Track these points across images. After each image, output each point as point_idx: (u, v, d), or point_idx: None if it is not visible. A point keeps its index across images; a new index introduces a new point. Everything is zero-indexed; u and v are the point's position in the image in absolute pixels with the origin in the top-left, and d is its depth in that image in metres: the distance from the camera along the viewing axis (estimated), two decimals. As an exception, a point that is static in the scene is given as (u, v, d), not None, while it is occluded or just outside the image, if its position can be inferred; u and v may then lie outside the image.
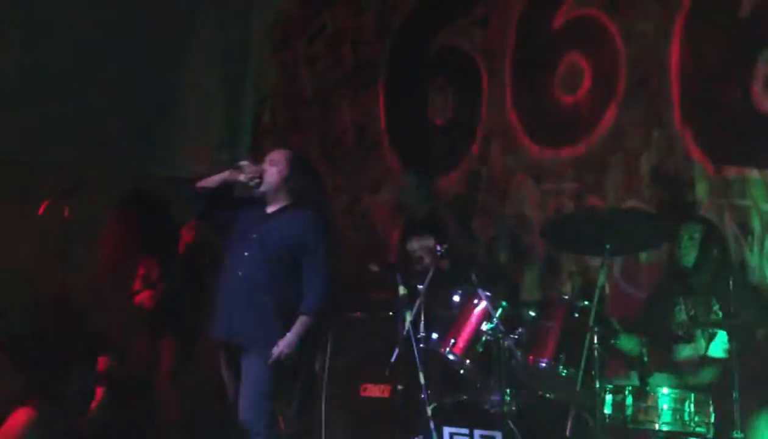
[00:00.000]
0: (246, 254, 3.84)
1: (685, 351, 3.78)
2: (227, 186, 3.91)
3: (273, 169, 3.89)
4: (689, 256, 3.82)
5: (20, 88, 5.53)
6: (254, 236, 3.86)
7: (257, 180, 3.85)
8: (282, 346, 3.74)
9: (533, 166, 5.01)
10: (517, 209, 5.04)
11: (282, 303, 3.80)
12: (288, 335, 3.76)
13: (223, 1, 6.44)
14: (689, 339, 3.78)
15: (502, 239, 5.03)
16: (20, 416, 4.09)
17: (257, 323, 3.78)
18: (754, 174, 4.10)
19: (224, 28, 6.44)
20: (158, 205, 5.20)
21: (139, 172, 5.80)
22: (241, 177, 3.85)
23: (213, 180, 3.88)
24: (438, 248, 4.01)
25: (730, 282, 3.49)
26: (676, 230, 3.92)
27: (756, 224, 4.08)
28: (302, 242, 3.84)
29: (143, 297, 4.89)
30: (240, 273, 3.82)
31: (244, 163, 3.88)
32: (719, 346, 3.67)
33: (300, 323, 3.78)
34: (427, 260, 4.37)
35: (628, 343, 3.73)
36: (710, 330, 3.70)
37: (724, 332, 3.60)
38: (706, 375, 3.64)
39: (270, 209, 3.93)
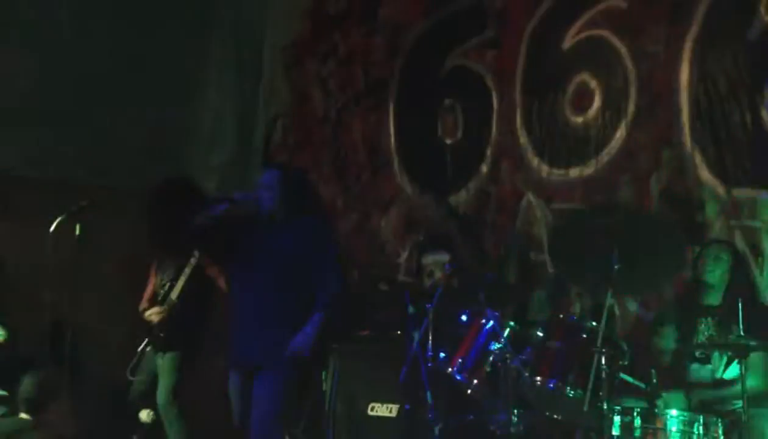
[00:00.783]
0: (253, 273, 3.84)
1: (701, 372, 3.75)
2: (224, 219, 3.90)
3: (266, 194, 3.89)
4: (713, 275, 3.78)
5: (32, 105, 5.60)
6: (260, 254, 3.85)
7: (253, 208, 3.85)
8: (299, 341, 3.73)
9: (543, 186, 5.02)
10: (526, 229, 5.04)
11: (291, 321, 3.80)
12: (304, 329, 3.74)
13: (236, 21, 6.52)
14: (706, 360, 3.75)
15: (510, 258, 5.02)
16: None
17: (269, 343, 3.77)
18: (764, 195, 4.09)
19: (237, 47, 6.51)
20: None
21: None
22: (236, 212, 3.85)
23: (209, 217, 3.85)
24: (447, 266, 4.01)
25: (740, 304, 3.47)
26: (700, 251, 3.89)
27: (766, 246, 4.06)
28: (310, 246, 3.84)
29: (152, 313, 4.90)
30: (249, 294, 3.82)
31: (237, 196, 3.89)
32: (736, 368, 3.63)
33: (315, 319, 3.77)
34: (438, 275, 4.38)
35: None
36: (728, 353, 3.67)
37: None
38: (720, 397, 3.60)
39: (271, 228, 3.91)
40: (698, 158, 4.36)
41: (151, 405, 4.82)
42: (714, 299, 3.82)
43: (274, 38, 6.61)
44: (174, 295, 4.80)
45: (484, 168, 5.32)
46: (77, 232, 4.54)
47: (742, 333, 3.45)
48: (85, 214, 4.54)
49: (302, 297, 3.83)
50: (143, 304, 4.95)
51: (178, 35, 6.07)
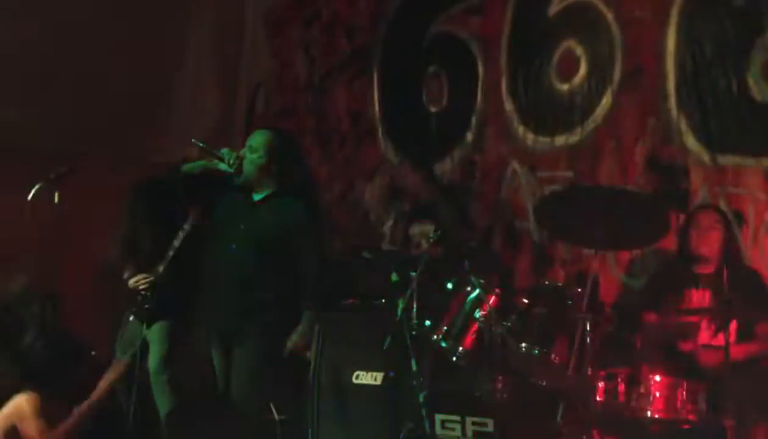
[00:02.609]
0: (234, 246, 3.80)
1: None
2: (209, 174, 3.87)
3: (252, 156, 3.83)
4: (704, 245, 3.78)
5: (16, 75, 5.49)
6: (242, 226, 3.82)
7: (237, 167, 3.79)
8: (296, 339, 3.76)
9: (528, 154, 4.99)
10: (512, 197, 5.03)
11: (274, 292, 3.79)
12: (299, 328, 3.77)
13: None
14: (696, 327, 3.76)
15: (496, 226, 5.01)
16: (25, 401, 4.07)
17: (251, 314, 3.77)
18: (749, 162, 4.10)
19: (218, 13, 6.39)
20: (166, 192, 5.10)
21: (132, 159, 5.76)
22: (222, 166, 3.81)
23: (194, 167, 3.85)
24: (429, 233, 4.00)
25: (725, 270, 3.49)
26: (687, 218, 3.88)
27: (751, 213, 4.07)
28: (293, 231, 3.82)
29: (138, 281, 4.83)
30: (229, 264, 3.79)
31: (224, 150, 3.84)
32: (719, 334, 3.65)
33: (307, 317, 3.80)
34: (424, 246, 4.36)
35: None
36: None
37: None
38: (706, 362, 3.62)
39: (256, 197, 3.88)
40: (684, 125, 4.35)
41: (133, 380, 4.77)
42: (703, 266, 3.82)
43: (256, 3, 6.50)
44: (161, 267, 4.74)
45: (469, 136, 5.29)
46: (56, 200, 4.47)
47: (724, 299, 3.48)
48: (64, 182, 4.46)
49: (284, 268, 3.81)
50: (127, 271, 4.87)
51: (159, 1, 5.95)
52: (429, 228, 4.40)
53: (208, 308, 3.86)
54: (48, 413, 4.09)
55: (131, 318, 4.79)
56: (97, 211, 5.41)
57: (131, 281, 4.76)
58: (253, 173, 3.83)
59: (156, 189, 4.83)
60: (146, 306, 4.68)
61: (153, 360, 4.69)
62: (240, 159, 3.82)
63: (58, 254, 4.58)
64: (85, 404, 4.42)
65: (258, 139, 3.90)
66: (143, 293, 4.69)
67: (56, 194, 4.52)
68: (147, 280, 4.69)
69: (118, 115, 5.83)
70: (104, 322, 4.97)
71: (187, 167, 3.85)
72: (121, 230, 4.81)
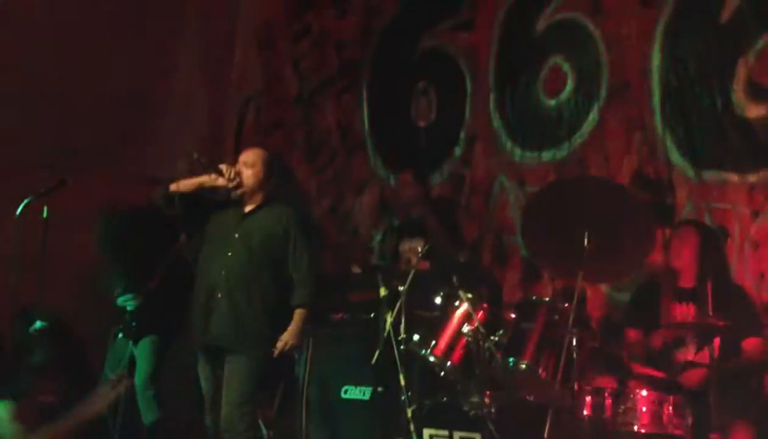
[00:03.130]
0: (229, 253, 3.82)
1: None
2: (206, 190, 3.89)
3: (249, 171, 3.89)
4: (681, 261, 3.81)
5: (3, 90, 5.47)
6: (236, 235, 3.85)
7: (237, 182, 3.85)
8: (287, 338, 3.76)
9: (516, 169, 5.03)
10: (500, 212, 5.06)
11: (267, 301, 3.80)
12: (291, 326, 3.78)
13: (208, 1, 6.41)
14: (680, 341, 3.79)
15: (484, 241, 5.03)
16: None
17: (242, 323, 3.77)
18: (733, 178, 4.14)
19: (208, 28, 6.41)
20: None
21: (120, 174, 5.74)
22: (220, 181, 3.83)
23: (190, 183, 3.86)
24: (418, 249, 4.02)
25: (709, 285, 3.52)
26: (671, 233, 3.92)
27: (735, 228, 4.11)
28: (286, 233, 3.86)
29: (127, 299, 4.82)
30: (222, 273, 3.80)
31: (222, 166, 3.87)
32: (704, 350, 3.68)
33: (299, 315, 3.81)
34: (414, 262, 4.38)
35: None
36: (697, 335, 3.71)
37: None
38: (692, 377, 3.64)
39: (247, 209, 3.93)
40: (669, 141, 4.39)
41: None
42: (687, 281, 3.85)
43: (246, 18, 6.53)
44: (149, 285, 4.73)
45: (458, 151, 5.32)
46: (44, 214, 4.46)
47: (708, 315, 3.51)
48: (52, 196, 4.46)
49: (275, 286, 3.83)
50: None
51: (148, 14, 5.96)
52: (419, 244, 4.42)
53: (199, 317, 3.84)
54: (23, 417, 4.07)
55: (119, 335, 4.79)
56: (86, 226, 5.40)
57: (119, 299, 4.77)
58: (254, 186, 3.89)
59: (128, 216, 4.85)
60: (133, 324, 4.69)
61: (139, 376, 4.68)
62: (238, 174, 3.85)
63: (45, 268, 4.55)
64: (78, 416, 4.36)
65: (253, 155, 3.97)
66: (131, 310, 4.69)
67: (45, 209, 4.51)
68: (134, 298, 4.70)
69: (107, 129, 5.81)
70: (91, 338, 4.95)
71: (182, 186, 3.84)
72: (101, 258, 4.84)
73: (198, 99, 6.40)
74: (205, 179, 3.86)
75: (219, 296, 3.79)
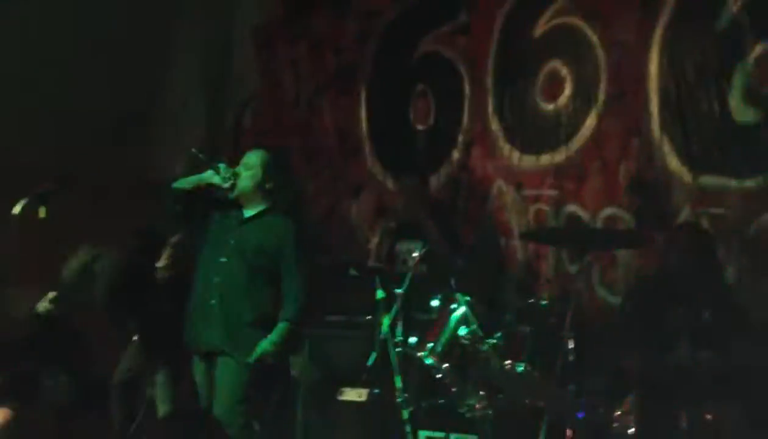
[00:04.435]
0: (223, 259, 3.81)
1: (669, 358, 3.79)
2: (203, 188, 3.88)
3: (247, 173, 3.87)
4: (683, 266, 3.80)
5: (3, 95, 5.47)
6: (232, 242, 3.83)
7: (232, 183, 3.82)
8: (264, 346, 3.72)
9: (514, 173, 5.04)
10: (497, 216, 5.07)
11: (259, 309, 3.79)
12: (270, 336, 3.74)
13: (206, 3, 6.42)
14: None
15: (481, 244, 5.05)
16: None
17: (234, 330, 3.76)
18: (730, 183, 4.16)
19: (206, 29, 6.41)
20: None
21: (119, 176, 5.75)
22: (216, 179, 3.82)
23: (188, 181, 3.86)
24: (415, 252, 4.03)
25: (703, 290, 3.54)
26: (669, 237, 3.93)
27: (732, 233, 4.12)
28: (280, 249, 3.82)
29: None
30: (216, 279, 3.80)
31: (220, 165, 3.86)
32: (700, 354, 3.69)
33: (281, 328, 3.76)
34: (411, 263, 4.39)
35: None
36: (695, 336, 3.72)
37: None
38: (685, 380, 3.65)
39: (247, 213, 3.90)
40: (666, 146, 4.41)
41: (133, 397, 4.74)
42: (685, 285, 3.86)
43: (244, 20, 6.54)
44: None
45: (456, 154, 5.34)
46: (43, 215, 4.45)
47: (704, 318, 3.53)
48: (51, 199, 4.45)
49: (268, 295, 3.81)
50: None
51: (145, 16, 5.96)
52: (416, 246, 4.43)
53: (194, 319, 3.83)
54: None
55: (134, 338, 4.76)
56: (85, 229, 5.40)
57: None
58: (249, 189, 3.85)
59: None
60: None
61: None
62: (235, 175, 3.82)
63: (44, 271, 4.55)
64: None
65: (254, 157, 3.93)
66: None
67: (43, 209, 4.50)
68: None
69: (105, 132, 5.82)
70: (93, 342, 4.94)
71: (178, 183, 3.84)
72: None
73: (196, 101, 6.40)
74: (203, 176, 3.85)
75: (212, 302, 3.77)
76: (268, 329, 3.75)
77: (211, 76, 6.46)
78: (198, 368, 3.87)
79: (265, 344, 3.71)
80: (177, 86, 6.31)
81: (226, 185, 3.81)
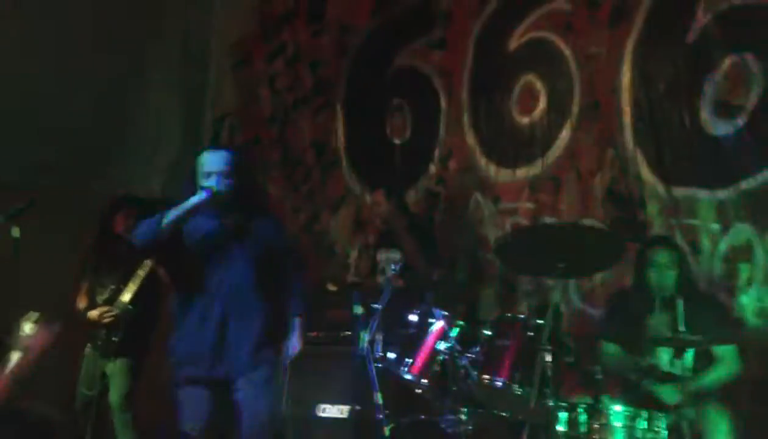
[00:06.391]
0: (223, 276, 3.53)
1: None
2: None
3: (223, 179, 3.52)
4: (664, 278, 3.82)
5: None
6: (226, 252, 3.55)
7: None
8: (294, 345, 3.64)
9: (490, 186, 5.07)
10: (475, 229, 5.09)
11: (269, 318, 3.59)
12: (294, 336, 3.65)
13: (183, 18, 6.41)
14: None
15: (459, 258, 5.06)
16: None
17: (249, 345, 3.53)
18: (702, 194, 4.21)
19: (183, 44, 6.40)
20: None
21: (96, 192, 5.70)
22: (192, 201, 3.47)
23: (182, 212, 3.48)
24: (393, 266, 4.02)
25: (679, 302, 3.58)
26: (644, 249, 3.96)
27: (705, 243, 4.18)
28: (277, 246, 3.69)
29: (99, 315, 4.76)
30: (216, 295, 3.52)
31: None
32: (679, 364, 3.73)
33: (299, 324, 3.67)
34: (390, 272, 4.38)
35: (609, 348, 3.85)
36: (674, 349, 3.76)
37: (691, 351, 3.67)
38: (666, 393, 3.68)
39: (226, 221, 3.60)
40: (640, 158, 4.46)
41: (96, 414, 4.68)
42: (661, 298, 3.89)
43: (221, 36, 6.54)
44: (126, 297, 4.68)
45: (433, 168, 5.36)
46: (16, 234, 4.40)
47: (682, 329, 3.57)
48: (24, 216, 4.40)
49: (272, 293, 3.61)
50: (83, 305, 4.79)
51: (122, 31, 5.94)
52: (395, 255, 4.44)
53: (193, 341, 3.52)
54: None
55: (87, 350, 4.71)
56: (57, 244, 5.35)
57: (94, 313, 4.69)
58: (224, 195, 3.51)
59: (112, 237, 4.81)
60: (114, 339, 4.63)
61: (115, 397, 4.63)
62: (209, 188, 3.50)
63: (14, 287, 4.49)
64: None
65: (224, 159, 3.59)
66: (108, 326, 4.63)
67: (16, 229, 4.45)
68: (112, 313, 4.63)
69: (81, 147, 5.78)
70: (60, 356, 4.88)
71: (164, 225, 3.48)
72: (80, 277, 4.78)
73: (172, 116, 6.38)
74: (196, 202, 3.46)
75: (213, 320, 3.49)
76: (274, 334, 3.62)
77: (187, 92, 6.44)
78: (193, 392, 3.53)
79: (294, 344, 3.64)
80: (153, 103, 6.28)
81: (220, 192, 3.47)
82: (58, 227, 5.32)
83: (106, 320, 4.65)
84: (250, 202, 3.69)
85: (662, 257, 3.85)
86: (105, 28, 5.83)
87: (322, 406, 4.27)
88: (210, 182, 3.51)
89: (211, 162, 3.58)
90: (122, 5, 5.91)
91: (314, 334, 4.53)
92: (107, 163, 5.91)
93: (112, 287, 4.75)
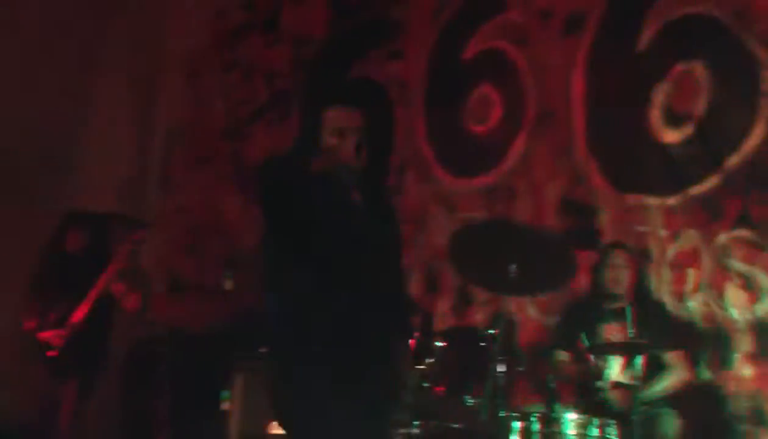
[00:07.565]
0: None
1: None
2: None
3: (351, 141, 2.59)
4: (619, 278, 3.85)
5: None
6: (356, 255, 2.55)
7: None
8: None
9: (447, 196, 5.05)
10: (431, 239, 5.06)
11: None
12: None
13: (134, 31, 6.33)
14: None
15: (415, 268, 5.02)
16: None
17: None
18: (652, 201, 4.22)
19: (132, 59, 6.32)
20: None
21: (44, 210, 5.58)
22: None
23: None
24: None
25: (628, 307, 3.57)
26: (600, 257, 3.98)
27: (654, 250, 4.19)
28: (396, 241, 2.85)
29: (50, 335, 4.66)
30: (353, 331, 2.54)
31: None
32: (629, 371, 3.72)
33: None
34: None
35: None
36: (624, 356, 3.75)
37: (641, 358, 3.66)
38: (616, 399, 3.66)
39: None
40: (592, 166, 4.47)
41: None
42: (613, 303, 3.90)
43: (173, 47, 6.47)
44: (77, 317, 4.58)
45: (389, 178, 5.32)
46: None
47: (632, 334, 3.57)
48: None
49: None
50: (34, 325, 4.69)
51: (70, 43, 5.85)
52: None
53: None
54: None
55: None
56: (6, 262, 5.23)
57: (45, 334, 4.60)
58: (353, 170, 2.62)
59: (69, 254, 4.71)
60: (65, 359, 4.53)
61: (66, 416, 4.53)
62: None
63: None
64: None
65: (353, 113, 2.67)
66: (57, 347, 4.53)
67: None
68: (62, 334, 4.54)
69: (29, 164, 5.66)
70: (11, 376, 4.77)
71: None
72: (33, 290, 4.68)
73: (123, 129, 6.28)
74: None
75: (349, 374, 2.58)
76: None
77: (139, 104, 6.35)
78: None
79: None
80: (104, 116, 6.18)
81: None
82: (7, 246, 5.21)
83: (57, 341, 4.56)
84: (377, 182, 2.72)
85: (618, 258, 3.88)
86: (52, 38, 5.74)
87: (272, 422, 4.18)
88: None
89: (340, 115, 2.65)
90: (70, 17, 5.82)
91: (264, 349, 4.46)
92: (56, 181, 5.79)
93: (64, 306, 4.65)
